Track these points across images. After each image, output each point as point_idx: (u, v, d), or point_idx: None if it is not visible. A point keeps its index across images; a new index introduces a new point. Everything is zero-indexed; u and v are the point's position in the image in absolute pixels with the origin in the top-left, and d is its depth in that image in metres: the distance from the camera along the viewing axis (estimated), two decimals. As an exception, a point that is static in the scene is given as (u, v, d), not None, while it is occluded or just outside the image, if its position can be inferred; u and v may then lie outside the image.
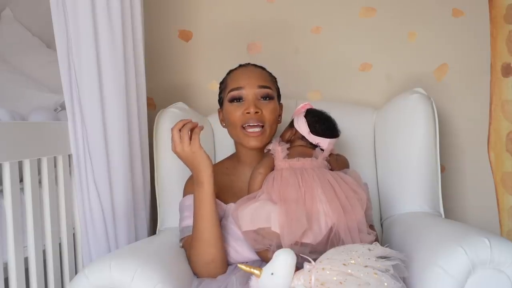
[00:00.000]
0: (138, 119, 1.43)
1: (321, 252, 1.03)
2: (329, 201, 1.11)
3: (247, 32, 1.81)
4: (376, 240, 1.14)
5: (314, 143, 1.26)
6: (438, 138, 1.47)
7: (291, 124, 1.31)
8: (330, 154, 1.26)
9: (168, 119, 1.49)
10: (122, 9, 1.33)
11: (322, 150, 1.25)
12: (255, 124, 1.24)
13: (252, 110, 1.23)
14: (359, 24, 1.79)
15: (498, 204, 1.77)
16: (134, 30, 1.39)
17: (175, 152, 1.15)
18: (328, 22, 1.80)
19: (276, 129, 1.31)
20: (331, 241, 1.09)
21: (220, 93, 1.34)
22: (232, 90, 1.27)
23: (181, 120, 1.16)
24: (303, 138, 1.27)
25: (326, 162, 1.23)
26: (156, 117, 1.51)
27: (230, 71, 1.34)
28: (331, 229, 1.09)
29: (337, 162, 1.27)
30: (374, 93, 1.78)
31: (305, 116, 1.27)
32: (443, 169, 1.71)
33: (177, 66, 1.83)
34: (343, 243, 1.07)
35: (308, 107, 1.31)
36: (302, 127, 1.26)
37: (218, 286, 1.10)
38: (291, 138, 1.29)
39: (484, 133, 1.77)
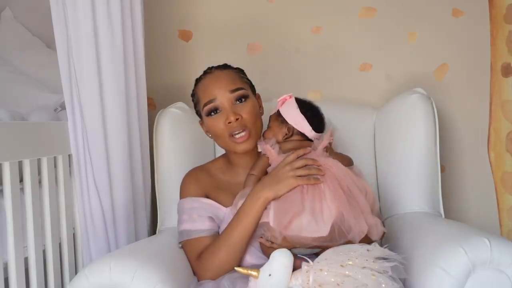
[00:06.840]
0: (138, 119, 1.42)
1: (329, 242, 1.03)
2: (332, 191, 1.08)
3: (247, 32, 1.81)
4: (383, 236, 1.13)
5: (313, 139, 1.22)
6: (438, 138, 1.47)
7: (281, 120, 1.24)
8: (328, 147, 1.21)
9: (168, 119, 1.49)
10: (122, 9, 1.33)
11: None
12: (240, 130, 1.22)
13: (232, 118, 1.20)
14: (359, 24, 1.78)
15: (498, 204, 1.77)
16: (134, 30, 1.39)
17: (277, 161, 1.15)
18: (328, 22, 1.80)
19: (261, 123, 1.28)
20: (338, 230, 1.05)
21: (195, 106, 1.32)
22: (206, 104, 1.24)
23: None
24: (299, 133, 1.23)
25: (325, 153, 1.19)
26: (156, 117, 1.51)
27: (197, 81, 1.30)
28: (335, 221, 1.05)
29: (342, 158, 1.23)
30: (374, 93, 1.78)
31: (302, 112, 1.22)
32: (443, 169, 1.71)
33: (177, 66, 1.83)
34: (349, 228, 1.04)
35: (291, 98, 1.25)
36: (303, 125, 1.21)
37: None
38: (287, 137, 1.23)
39: (484, 133, 1.77)
